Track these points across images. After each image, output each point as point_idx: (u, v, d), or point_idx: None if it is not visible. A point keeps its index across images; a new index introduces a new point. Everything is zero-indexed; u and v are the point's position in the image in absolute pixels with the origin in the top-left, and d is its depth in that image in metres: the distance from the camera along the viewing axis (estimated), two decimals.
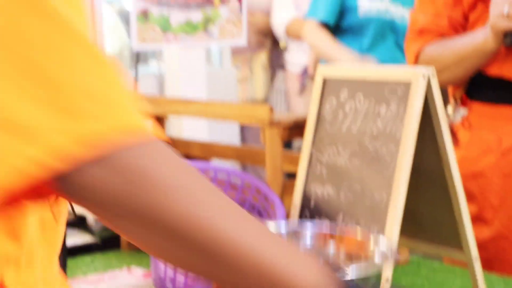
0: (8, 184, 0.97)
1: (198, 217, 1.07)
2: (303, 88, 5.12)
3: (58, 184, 1.01)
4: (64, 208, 1.23)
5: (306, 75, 5.14)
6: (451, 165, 1.96)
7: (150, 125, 1.08)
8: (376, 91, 1.97)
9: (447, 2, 2.56)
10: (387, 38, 4.41)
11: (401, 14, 4.40)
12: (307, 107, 3.98)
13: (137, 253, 2.52)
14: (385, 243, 1.70)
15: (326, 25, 4.40)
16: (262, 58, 5.34)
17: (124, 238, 1.40)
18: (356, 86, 2.03)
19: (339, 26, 4.47)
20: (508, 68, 2.49)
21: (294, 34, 4.83)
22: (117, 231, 1.14)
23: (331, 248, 1.60)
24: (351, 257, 1.61)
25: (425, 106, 1.90)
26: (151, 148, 1.07)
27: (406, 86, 1.89)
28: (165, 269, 2.16)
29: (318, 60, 4.84)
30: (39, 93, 0.98)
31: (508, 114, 2.53)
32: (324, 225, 1.78)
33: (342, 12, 4.40)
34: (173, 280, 2.14)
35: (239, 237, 1.10)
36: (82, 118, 0.99)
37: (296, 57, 5.26)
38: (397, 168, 1.86)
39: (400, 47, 4.20)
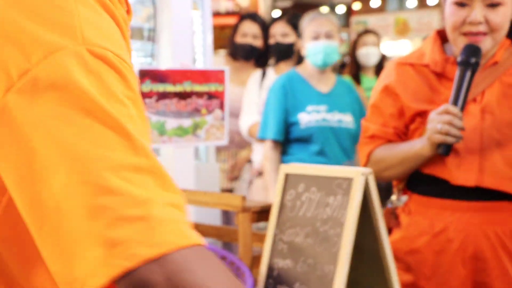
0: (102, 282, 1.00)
1: None
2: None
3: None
4: None
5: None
6: (385, 244, 2.13)
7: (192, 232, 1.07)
8: (326, 185, 2.15)
9: (392, 115, 2.75)
10: (330, 141, 4.54)
11: (338, 119, 4.59)
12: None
13: None
14: None
15: (277, 141, 4.58)
16: (246, 153, 5.43)
17: None
18: (311, 180, 2.21)
19: (288, 138, 4.60)
20: (437, 168, 2.65)
21: (255, 136, 4.89)
22: None
23: None
24: None
25: (365, 197, 2.08)
26: (195, 253, 1.06)
27: (349, 181, 2.07)
28: None
29: None
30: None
31: (438, 204, 2.67)
32: None
33: (288, 127, 4.57)
34: None
35: None
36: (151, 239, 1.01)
37: (258, 156, 5.20)
38: (341, 247, 2.02)
39: (342, 147, 4.53)
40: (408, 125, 2.76)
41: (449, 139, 2.51)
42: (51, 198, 1.03)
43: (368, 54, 6.57)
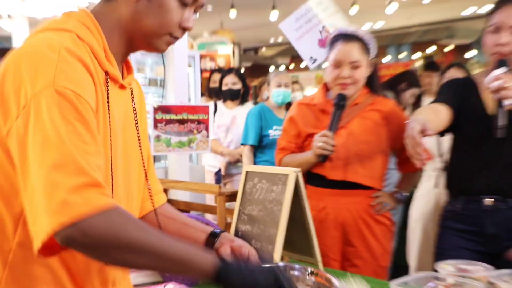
0: (44, 241, 1.09)
1: (145, 240, 1.16)
2: (217, 181, 5.17)
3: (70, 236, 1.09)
4: None
5: (219, 173, 5.15)
6: (308, 216, 2.14)
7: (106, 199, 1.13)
8: (272, 178, 2.16)
9: (294, 135, 2.78)
10: None
11: None
12: None
13: None
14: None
15: (253, 146, 4.58)
16: None
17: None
18: (262, 176, 2.22)
19: (261, 145, 4.59)
20: (320, 169, 2.66)
21: (213, 149, 4.80)
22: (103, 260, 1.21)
23: None
24: None
25: (295, 186, 2.09)
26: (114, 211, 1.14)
27: (286, 176, 2.10)
28: None
29: (227, 165, 5.04)
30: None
31: (320, 191, 2.68)
32: None
33: (261, 137, 4.57)
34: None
35: (167, 247, 1.18)
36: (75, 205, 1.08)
37: (212, 162, 5.24)
38: (281, 217, 2.05)
39: None
40: (303, 142, 2.77)
41: (325, 152, 2.54)
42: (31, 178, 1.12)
43: (295, 97, 6.51)
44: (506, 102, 2.14)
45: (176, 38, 1.40)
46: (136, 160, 1.50)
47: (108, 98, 1.31)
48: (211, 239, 1.54)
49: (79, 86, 1.18)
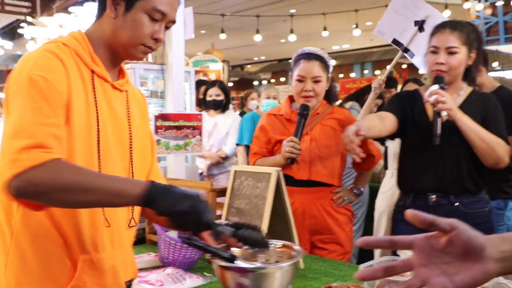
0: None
1: (79, 179, 1.23)
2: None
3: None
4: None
5: (202, 175, 5.02)
6: (288, 209, 2.12)
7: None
8: (257, 176, 2.15)
9: (264, 141, 2.75)
10: None
11: None
12: None
13: (151, 246, 2.54)
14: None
15: (247, 146, 4.45)
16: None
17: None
18: (248, 174, 2.19)
19: None
20: (288, 171, 2.59)
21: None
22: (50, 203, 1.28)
23: None
24: None
25: (277, 183, 2.08)
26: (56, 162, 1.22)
27: (269, 174, 2.09)
28: (164, 253, 2.17)
29: (209, 166, 4.95)
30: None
31: (290, 190, 2.32)
32: None
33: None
34: (167, 258, 2.15)
35: (100, 181, 1.24)
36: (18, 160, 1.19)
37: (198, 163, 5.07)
38: (265, 210, 2.04)
39: None
40: (273, 147, 2.76)
41: (293, 155, 2.54)
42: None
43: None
44: (443, 114, 2.20)
45: (150, 48, 1.47)
46: (125, 154, 1.53)
47: (94, 90, 1.41)
48: None
49: (49, 73, 1.30)
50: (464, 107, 2.32)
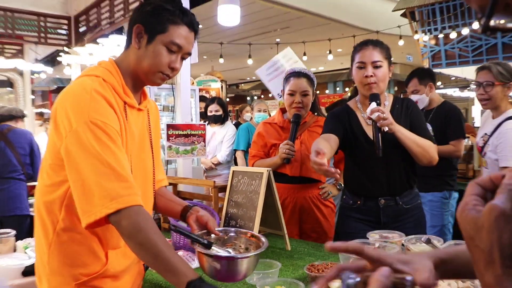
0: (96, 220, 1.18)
1: (154, 242, 1.18)
2: None
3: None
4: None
5: None
6: (277, 201, 2.08)
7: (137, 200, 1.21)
8: (251, 175, 2.09)
9: (261, 146, 2.69)
10: None
11: None
12: None
13: (165, 233, 2.42)
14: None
15: (243, 151, 4.49)
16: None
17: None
18: (244, 173, 2.13)
19: (249, 151, 4.57)
20: (283, 169, 2.58)
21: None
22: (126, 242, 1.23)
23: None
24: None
25: (268, 181, 2.02)
26: (136, 209, 1.21)
27: (262, 174, 2.02)
28: (176, 238, 2.17)
29: (204, 171, 4.84)
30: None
31: (282, 186, 2.56)
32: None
33: (249, 145, 4.35)
34: (179, 243, 2.14)
35: (166, 251, 1.17)
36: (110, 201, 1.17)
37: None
38: (258, 203, 1.98)
39: None
40: (269, 150, 2.70)
41: (289, 156, 2.47)
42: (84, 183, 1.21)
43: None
44: (386, 129, 2.05)
45: (167, 75, 1.43)
46: (149, 161, 1.56)
47: (126, 119, 1.39)
48: (185, 210, 1.56)
49: (106, 117, 1.27)
50: (393, 115, 2.16)
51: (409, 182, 2.28)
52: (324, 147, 1.97)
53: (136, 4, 5.11)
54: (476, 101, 12.91)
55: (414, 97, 3.37)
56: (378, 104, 2.08)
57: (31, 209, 4.03)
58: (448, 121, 3.32)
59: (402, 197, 2.25)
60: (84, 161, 1.20)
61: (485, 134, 2.72)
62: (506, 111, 2.66)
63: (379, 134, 2.06)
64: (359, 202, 2.30)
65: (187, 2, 3.89)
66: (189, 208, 1.56)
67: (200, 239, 1.39)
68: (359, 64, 2.19)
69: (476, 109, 12.05)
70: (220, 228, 1.53)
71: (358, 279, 0.65)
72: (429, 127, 3.09)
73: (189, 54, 1.46)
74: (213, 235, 1.50)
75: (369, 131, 2.22)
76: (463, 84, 12.68)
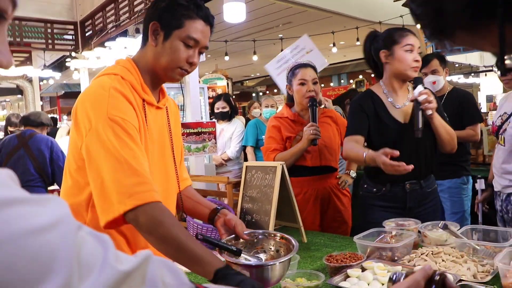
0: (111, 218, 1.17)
1: (175, 235, 1.15)
2: None
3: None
4: None
5: None
6: (292, 195, 2.07)
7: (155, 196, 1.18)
8: (265, 170, 2.08)
9: (280, 139, 2.66)
10: None
11: None
12: None
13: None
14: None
15: (253, 146, 4.46)
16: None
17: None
18: (258, 168, 2.12)
19: (258, 146, 4.41)
20: (302, 161, 2.61)
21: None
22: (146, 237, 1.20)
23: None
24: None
25: (282, 175, 2.01)
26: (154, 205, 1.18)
27: (275, 168, 2.03)
28: (193, 233, 2.27)
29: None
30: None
31: (301, 179, 2.62)
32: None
33: (257, 141, 4.45)
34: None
35: (188, 242, 1.14)
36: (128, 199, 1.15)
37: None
38: (273, 197, 1.97)
39: None
40: (285, 143, 2.68)
41: (316, 136, 2.49)
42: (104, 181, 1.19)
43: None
44: (429, 112, 2.06)
45: (186, 71, 1.41)
46: (170, 159, 1.53)
47: (145, 117, 1.38)
48: (213, 213, 1.53)
49: (124, 113, 1.26)
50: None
51: (432, 165, 2.30)
52: (361, 149, 2.07)
53: (141, 6, 5.11)
54: (482, 87, 12.82)
55: (431, 78, 3.34)
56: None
57: None
58: (464, 106, 3.31)
59: (426, 181, 2.28)
60: (103, 158, 1.20)
61: (505, 113, 2.74)
62: None
63: (420, 116, 2.07)
64: (384, 189, 2.29)
65: None
66: (217, 211, 1.53)
67: (228, 246, 1.32)
68: (409, 46, 2.19)
69: (482, 95, 11.95)
70: (247, 231, 1.47)
71: (404, 272, 0.83)
72: None
73: (206, 48, 1.45)
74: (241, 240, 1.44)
75: (397, 115, 2.23)
76: (467, 70, 12.59)
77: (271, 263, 1.28)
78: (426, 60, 3.48)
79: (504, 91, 12.63)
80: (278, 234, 1.49)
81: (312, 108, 2.56)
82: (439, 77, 3.39)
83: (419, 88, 2.09)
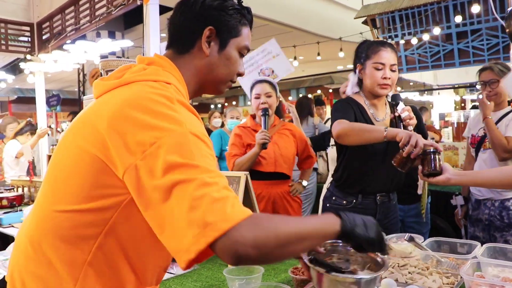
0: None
1: (294, 229, 0.94)
2: None
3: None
4: None
5: None
6: (254, 200, 2.04)
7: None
8: (230, 179, 2.05)
9: (241, 145, 2.89)
10: None
11: None
12: None
13: None
14: None
15: (217, 157, 4.23)
16: None
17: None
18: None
19: (221, 156, 4.17)
20: (258, 167, 2.87)
21: None
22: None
23: None
24: None
25: (246, 184, 1.99)
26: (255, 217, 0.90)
27: (239, 178, 2.06)
28: None
29: None
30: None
31: (258, 183, 2.83)
32: None
33: (221, 151, 4.24)
34: None
35: (303, 229, 0.94)
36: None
37: None
38: None
39: None
40: (246, 150, 2.91)
41: (265, 141, 2.73)
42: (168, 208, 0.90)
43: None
44: (410, 128, 2.01)
45: (233, 82, 1.27)
46: None
47: None
48: None
49: (201, 129, 1.01)
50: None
51: (401, 180, 2.29)
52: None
53: (103, 10, 4.95)
54: (436, 105, 13.31)
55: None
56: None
57: None
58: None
59: (393, 193, 2.33)
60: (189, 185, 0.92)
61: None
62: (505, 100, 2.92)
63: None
64: (355, 201, 2.24)
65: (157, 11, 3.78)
66: None
67: (338, 266, 1.19)
68: (378, 64, 2.15)
69: (435, 113, 12.39)
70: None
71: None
72: None
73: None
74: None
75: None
76: (421, 88, 13.07)
77: (376, 274, 1.15)
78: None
79: (455, 109, 13.16)
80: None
81: (264, 117, 2.84)
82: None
83: (401, 105, 2.06)
